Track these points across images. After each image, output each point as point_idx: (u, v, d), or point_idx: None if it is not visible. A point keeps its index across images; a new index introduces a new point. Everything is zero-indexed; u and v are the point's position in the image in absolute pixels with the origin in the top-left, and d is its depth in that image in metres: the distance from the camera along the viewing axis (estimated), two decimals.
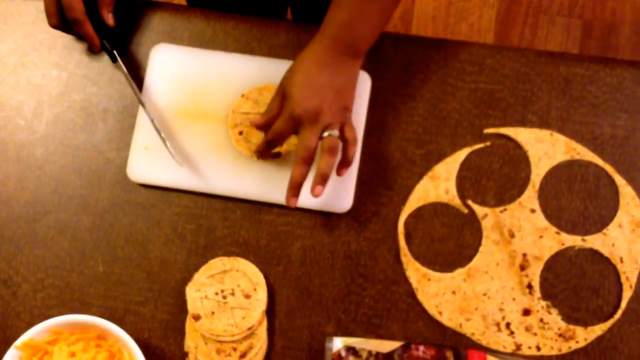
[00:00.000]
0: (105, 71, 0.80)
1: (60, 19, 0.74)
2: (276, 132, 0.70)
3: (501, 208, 0.74)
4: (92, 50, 0.80)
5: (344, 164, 0.70)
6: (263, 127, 0.72)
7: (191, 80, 0.79)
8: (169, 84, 0.79)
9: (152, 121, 0.75)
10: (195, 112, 0.78)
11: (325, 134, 0.68)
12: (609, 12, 1.78)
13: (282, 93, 0.69)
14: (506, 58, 0.78)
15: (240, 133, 0.77)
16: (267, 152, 0.74)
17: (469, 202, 0.75)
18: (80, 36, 0.76)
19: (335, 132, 0.68)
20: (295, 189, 0.69)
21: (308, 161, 0.68)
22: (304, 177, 0.69)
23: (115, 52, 0.77)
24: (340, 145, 0.69)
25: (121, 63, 0.77)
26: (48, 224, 0.77)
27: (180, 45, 0.80)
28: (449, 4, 1.81)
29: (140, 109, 0.78)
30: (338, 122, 0.69)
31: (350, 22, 0.68)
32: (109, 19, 0.76)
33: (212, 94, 0.78)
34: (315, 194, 0.68)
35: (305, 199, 0.75)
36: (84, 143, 0.79)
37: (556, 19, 1.78)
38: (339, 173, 0.71)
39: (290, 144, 0.76)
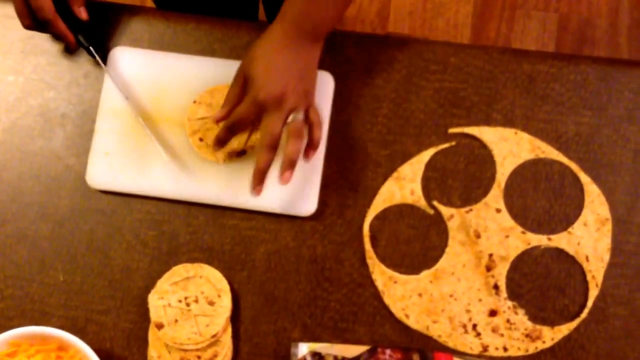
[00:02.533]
0: (63, 75, 0.79)
1: (33, 20, 0.72)
2: (239, 116, 0.68)
3: (467, 208, 0.74)
4: (69, 49, 0.78)
5: (311, 146, 0.70)
6: (224, 117, 0.70)
7: (150, 83, 0.77)
8: (127, 87, 0.77)
9: (138, 117, 0.74)
10: (155, 116, 0.76)
11: (290, 118, 0.67)
12: (584, 5, 1.78)
13: (243, 79, 0.68)
14: (470, 56, 0.77)
15: (201, 139, 0.75)
16: (227, 139, 0.71)
17: (435, 202, 0.74)
18: (57, 36, 0.76)
19: (300, 116, 0.68)
20: (260, 177, 0.68)
21: (273, 147, 0.67)
22: (269, 164, 0.68)
23: (91, 47, 0.76)
24: (306, 129, 0.68)
25: (99, 59, 0.76)
26: (6, 232, 0.76)
27: (140, 47, 0.78)
28: (426, 0, 1.80)
29: (100, 113, 0.76)
30: (302, 105, 0.68)
31: (309, 7, 0.67)
32: (82, 14, 0.75)
33: (170, 98, 0.77)
34: (283, 181, 0.68)
35: (269, 201, 0.74)
36: (42, 149, 0.77)
37: (532, 13, 1.78)
38: (306, 156, 0.70)
39: (251, 140, 0.74)
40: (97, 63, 0.77)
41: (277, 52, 0.68)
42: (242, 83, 0.69)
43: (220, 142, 0.72)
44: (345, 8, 0.69)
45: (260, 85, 0.66)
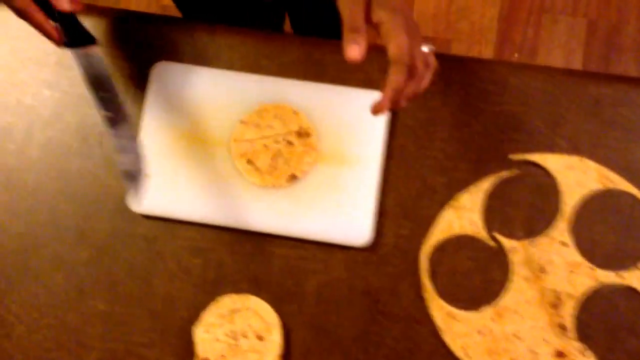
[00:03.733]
0: None
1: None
2: (407, 45, 0.53)
3: (530, 241, 0.70)
4: (54, 44, 0.64)
5: (416, 91, 0.57)
6: (363, 51, 0.54)
7: (193, 101, 0.73)
8: (169, 105, 0.73)
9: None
10: (200, 137, 0.72)
11: (426, 48, 0.57)
12: (614, 10, 1.73)
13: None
14: (530, 77, 0.73)
15: (249, 162, 0.71)
16: (359, 20, 0.54)
17: (496, 234, 0.70)
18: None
19: (434, 48, 0.57)
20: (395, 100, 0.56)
21: (414, 71, 0.54)
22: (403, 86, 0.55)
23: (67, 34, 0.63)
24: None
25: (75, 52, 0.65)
26: (41, 257, 0.72)
27: (182, 62, 0.74)
28: (450, 2, 1.76)
29: (141, 132, 0.72)
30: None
31: None
32: (63, 4, 0.60)
33: (215, 117, 0.73)
34: (401, 106, 0.56)
35: (321, 230, 0.70)
36: (80, 169, 0.73)
37: (560, 17, 1.74)
38: (401, 104, 0.57)
39: (303, 163, 0.70)
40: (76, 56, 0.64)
41: None
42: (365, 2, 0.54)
43: (354, 28, 0.54)
44: None
45: (404, 8, 0.55)
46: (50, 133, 0.74)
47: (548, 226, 0.70)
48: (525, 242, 0.70)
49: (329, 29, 0.85)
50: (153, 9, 1.73)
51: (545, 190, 0.71)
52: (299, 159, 0.71)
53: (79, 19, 0.64)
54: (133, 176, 0.63)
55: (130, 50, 0.75)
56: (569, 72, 0.73)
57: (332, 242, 0.70)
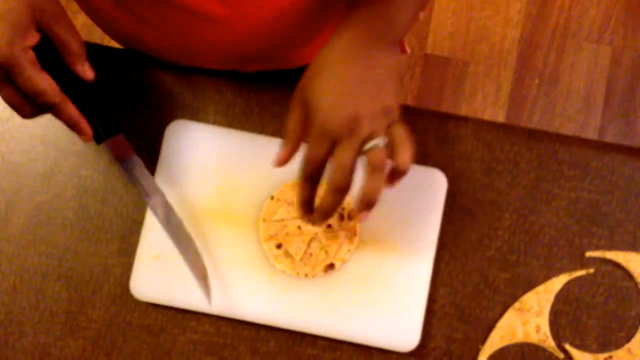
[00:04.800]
0: (105, 150, 0.62)
1: (34, 106, 0.51)
2: (312, 160, 0.51)
3: (606, 355, 0.59)
4: (83, 139, 0.54)
5: (397, 173, 0.52)
6: (287, 159, 0.53)
7: (215, 169, 0.61)
8: (186, 173, 0.61)
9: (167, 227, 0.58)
10: (221, 213, 0.61)
11: (369, 145, 0.51)
12: None
13: (302, 104, 0.52)
14: (616, 161, 0.62)
15: (279, 246, 0.60)
16: (311, 195, 0.54)
17: (566, 345, 0.60)
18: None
19: (380, 142, 0.51)
20: (322, 216, 0.53)
21: (343, 189, 0.51)
22: (334, 208, 0.52)
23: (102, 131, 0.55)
24: (386, 160, 0.51)
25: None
26: (24, 349, 0.60)
27: (204, 122, 0.62)
28: (469, 21, 1.66)
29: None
30: (381, 127, 0.51)
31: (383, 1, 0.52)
32: (87, 72, 0.53)
33: (240, 191, 0.61)
34: (361, 220, 0.52)
35: (360, 329, 0.59)
36: (76, 244, 0.61)
37: (584, 44, 1.64)
38: (391, 183, 0.53)
39: (342, 251, 0.59)
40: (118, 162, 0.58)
41: (344, 64, 0.52)
42: (302, 109, 0.52)
43: (306, 202, 0.54)
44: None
45: (327, 111, 0.50)
46: (40, 198, 0.62)
47: (627, 338, 0.60)
48: (600, 356, 0.59)
49: None
50: None
51: (626, 295, 0.60)
52: (338, 245, 0.60)
53: (106, 108, 0.55)
54: (200, 274, 0.59)
55: (142, 105, 0.63)
56: None
57: (372, 344, 0.59)
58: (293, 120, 0.53)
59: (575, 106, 1.60)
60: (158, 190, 0.59)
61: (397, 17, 0.53)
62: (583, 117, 1.59)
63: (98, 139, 0.55)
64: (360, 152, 0.50)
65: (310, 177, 0.52)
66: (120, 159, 0.57)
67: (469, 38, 1.65)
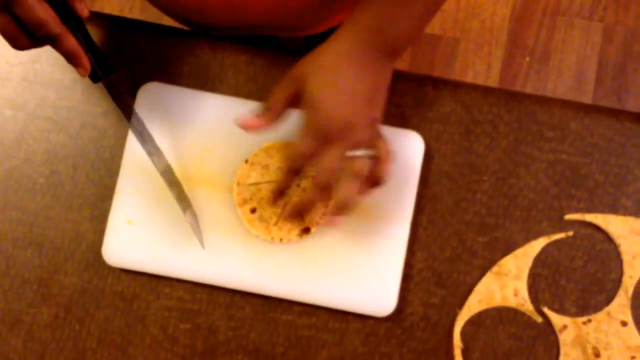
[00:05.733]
0: (77, 113, 0.61)
1: (30, 37, 0.51)
2: (301, 154, 0.52)
3: (584, 319, 0.59)
4: (81, 73, 0.54)
5: (375, 183, 0.53)
6: (257, 128, 0.53)
7: (188, 133, 0.60)
8: (158, 136, 0.60)
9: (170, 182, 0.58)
10: (194, 177, 0.60)
11: (358, 152, 0.51)
12: (632, 17, 1.63)
13: (294, 89, 0.52)
14: (596, 122, 0.61)
15: (253, 211, 0.59)
16: (287, 185, 0.55)
17: (544, 308, 0.59)
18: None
19: (366, 153, 0.52)
20: (293, 213, 0.55)
21: (326, 188, 0.52)
22: (312, 206, 0.54)
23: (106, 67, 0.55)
24: (367, 170, 0.52)
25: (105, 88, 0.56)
26: None
27: (177, 85, 0.61)
28: None
29: (123, 168, 0.59)
30: (369, 138, 0.52)
31: (389, 12, 0.52)
32: (85, 10, 0.53)
33: (214, 154, 0.60)
34: (332, 224, 0.53)
35: (335, 295, 0.58)
36: (46, 209, 0.60)
37: (575, 20, 1.63)
38: (362, 192, 0.53)
39: (317, 214, 0.59)
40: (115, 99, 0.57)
41: (346, 66, 0.52)
42: (294, 91, 0.52)
43: (281, 192, 0.56)
44: (431, 15, 0.54)
45: (328, 110, 0.50)
46: (10, 164, 0.61)
47: (606, 301, 0.59)
48: (579, 320, 0.59)
49: None
50: (133, 9, 1.58)
51: (605, 258, 0.60)
52: (313, 209, 0.59)
53: (100, 48, 0.55)
54: (191, 215, 0.59)
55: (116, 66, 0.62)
56: None
57: (349, 309, 0.59)
58: (280, 96, 0.53)
59: (567, 83, 1.59)
60: (153, 139, 0.59)
61: (402, 29, 0.52)
62: (574, 94, 1.58)
63: (95, 77, 0.54)
64: (345, 157, 0.51)
65: (295, 171, 0.53)
66: (117, 100, 0.57)
67: (460, 15, 1.63)
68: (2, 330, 0.59)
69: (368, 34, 0.52)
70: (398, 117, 0.61)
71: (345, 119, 0.51)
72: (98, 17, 0.63)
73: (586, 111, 0.61)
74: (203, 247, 0.58)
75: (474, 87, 0.62)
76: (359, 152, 0.51)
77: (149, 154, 0.58)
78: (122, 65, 0.61)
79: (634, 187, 0.60)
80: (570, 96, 1.57)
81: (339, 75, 0.51)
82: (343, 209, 0.52)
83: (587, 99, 1.57)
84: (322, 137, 0.51)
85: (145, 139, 0.58)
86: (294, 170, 0.53)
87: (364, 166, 0.52)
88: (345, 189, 0.51)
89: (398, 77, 0.62)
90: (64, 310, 0.59)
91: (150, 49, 0.62)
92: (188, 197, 0.59)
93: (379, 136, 0.53)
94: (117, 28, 0.62)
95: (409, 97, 0.61)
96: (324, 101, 0.51)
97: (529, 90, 1.56)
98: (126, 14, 1.57)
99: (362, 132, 0.51)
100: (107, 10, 1.56)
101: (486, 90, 0.62)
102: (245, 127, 0.53)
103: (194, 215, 0.59)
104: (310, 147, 0.51)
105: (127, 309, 0.59)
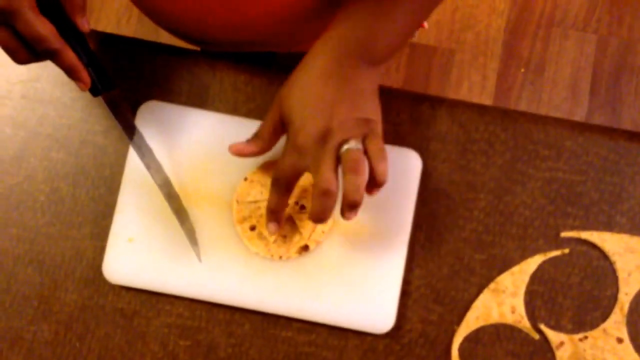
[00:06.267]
0: (77, 131, 0.62)
1: (31, 51, 0.52)
2: (282, 171, 0.52)
3: (581, 335, 0.59)
4: (81, 88, 0.54)
5: (374, 184, 0.53)
6: (247, 155, 0.55)
7: (188, 151, 0.61)
8: (159, 155, 0.60)
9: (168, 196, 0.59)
10: (194, 195, 0.60)
11: (343, 148, 0.51)
12: (626, 28, 1.65)
13: (279, 113, 0.53)
14: (590, 141, 0.62)
15: (253, 228, 0.59)
16: (280, 205, 0.55)
17: (541, 325, 0.60)
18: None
19: (355, 145, 0.51)
20: (318, 220, 0.53)
21: (327, 194, 0.51)
22: (328, 213, 0.52)
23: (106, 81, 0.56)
24: (365, 160, 0.52)
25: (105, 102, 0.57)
26: None
27: (177, 103, 0.62)
28: (455, 10, 1.66)
29: (124, 185, 0.60)
30: (358, 134, 0.52)
31: (367, 24, 0.52)
32: (85, 25, 0.54)
33: (214, 172, 0.60)
34: (347, 219, 0.52)
35: (335, 312, 0.59)
36: (47, 227, 0.60)
37: (570, 32, 1.64)
38: (369, 193, 0.53)
39: (317, 232, 0.59)
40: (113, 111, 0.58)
41: (319, 81, 0.52)
42: (279, 117, 0.53)
43: (274, 211, 0.55)
44: (412, 29, 0.54)
45: (298, 126, 0.51)
46: (11, 181, 0.61)
47: (602, 318, 0.60)
48: (575, 337, 0.59)
49: None
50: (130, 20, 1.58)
51: (601, 275, 0.60)
52: (312, 226, 0.59)
53: (100, 63, 0.55)
54: (189, 230, 0.60)
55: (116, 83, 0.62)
56: (635, 136, 0.62)
57: (347, 326, 0.59)
58: (268, 124, 0.55)
59: (562, 94, 1.60)
60: (152, 153, 0.59)
61: (382, 40, 0.53)
62: (569, 106, 1.59)
63: (95, 92, 0.55)
64: (335, 158, 0.51)
65: (279, 186, 0.53)
66: (117, 114, 0.57)
67: (455, 27, 1.64)
68: (3, 347, 0.59)
69: (345, 47, 0.52)
70: (395, 135, 0.62)
71: (318, 128, 0.50)
72: (98, 36, 0.64)
73: (581, 130, 0.62)
74: (200, 260, 0.59)
75: (470, 106, 0.63)
76: (345, 147, 0.51)
77: (148, 167, 0.58)
78: (122, 83, 0.62)
79: (628, 205, 0.61)
80: (565, 107, 1.59)
81: (312, 91, 0.52)
82: (352, 205, 0.51)
83: (582, 110, 1.59)
84: (299, 150, 0.51)
85: (144, 152, 0.58)
86: (278, 186, 0.53)
87: (354, 156, 0.51)
88: (348, 184, 0.51)
89: (394, 95, 0.62)
90: (65, 327, 0.59)
91: (150, 68, 0.62)
92: (186, 210, 0.59)
93: (372, 133, 0.52)
94: (116, 47, 0.63)
95: (405, 115, 0.62)
96: (295, 118, 0.51)
97: (524, 101, 1.57)
98: (123, 25, 1.58)
99: (342, 131, 0.51)
100: (104, 21, 1.57)
101: (482, 109, 0.62)
102: (237, 153, 0.55)
103: (192, 228, 0.59)
104: (290, 164, 0.52)
105: (127, 326, 0.60)
